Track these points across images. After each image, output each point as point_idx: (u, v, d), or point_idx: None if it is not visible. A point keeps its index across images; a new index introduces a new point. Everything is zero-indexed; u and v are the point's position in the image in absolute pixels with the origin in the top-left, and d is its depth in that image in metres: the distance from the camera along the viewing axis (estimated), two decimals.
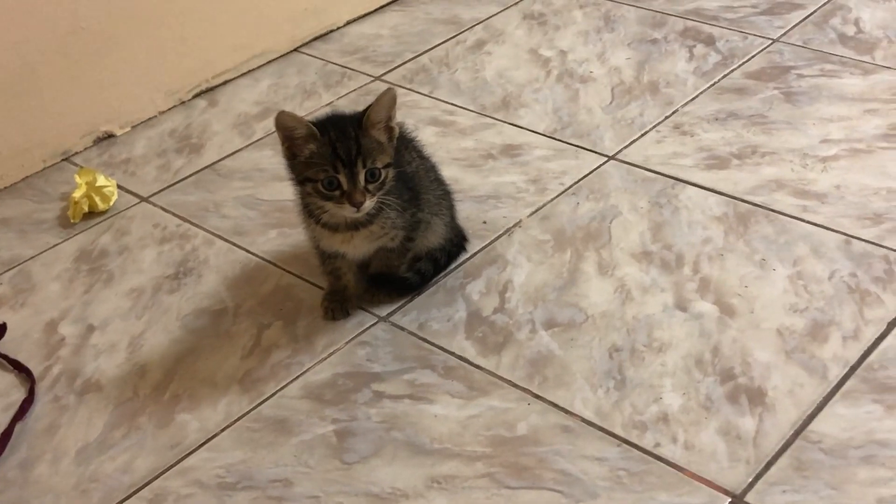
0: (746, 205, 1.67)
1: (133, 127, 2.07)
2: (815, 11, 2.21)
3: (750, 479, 1.23)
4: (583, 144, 1.87)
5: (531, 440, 1.31)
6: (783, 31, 2.15)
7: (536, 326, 1.48)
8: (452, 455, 1.31)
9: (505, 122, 1.97)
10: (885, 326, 1.42)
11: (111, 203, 1.84)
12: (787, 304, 1.47)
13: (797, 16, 2.20)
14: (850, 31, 2.13)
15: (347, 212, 1.39)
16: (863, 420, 1.29)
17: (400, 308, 1.55)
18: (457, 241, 1.62)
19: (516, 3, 2.38)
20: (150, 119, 2.10)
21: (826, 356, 1.38)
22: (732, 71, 2.04)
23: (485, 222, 1.70)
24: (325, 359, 1.47)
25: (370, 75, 2.18)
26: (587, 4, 2.34)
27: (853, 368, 1.36)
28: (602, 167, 1.81)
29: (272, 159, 1.90)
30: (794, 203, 1.66)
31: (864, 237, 1.58)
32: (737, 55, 2.09)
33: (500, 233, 1.67)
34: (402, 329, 1.51)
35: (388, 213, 1.44)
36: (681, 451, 1.28)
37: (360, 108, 1.41)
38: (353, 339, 1.50)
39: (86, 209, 1.82)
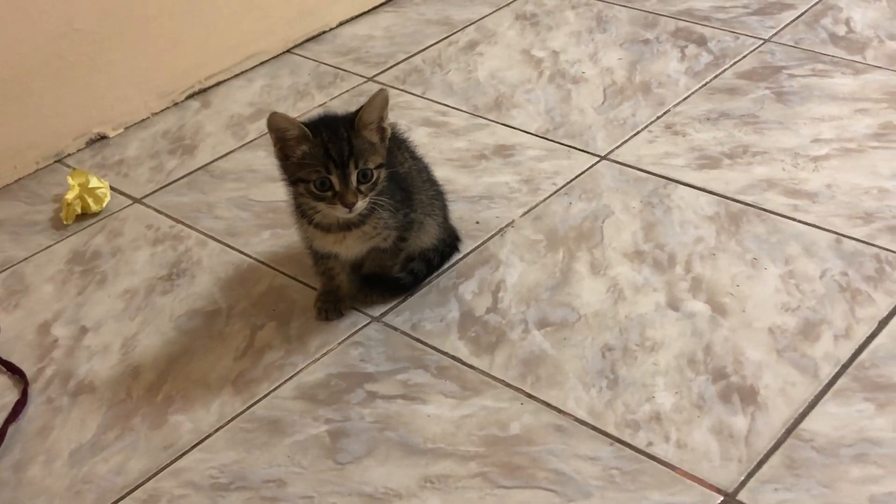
0: (738, 204, 1.68)
1: (126, 128, 2.07)
2: (806, 11, 2.21)
3: (742, 478, 1.24)
4: (575, 145, 1.87)
5: (524, 440, 1.32)
6: (774, 31, 2.16)
7: (529, 326, 1.49)
8: (446, 455, 1.31)
9: (497, 122, 1.97)
10: (876, 325, 1.43)
11: (104, 204, 1.84)
12: (779, 303, 1.48)
13: (788, 16, 2.21)
14: (841, 30, 2.13)
15: (340, 212, 1.39)
16: (854, 418, 1.29)
17: (393, 308, 1.55)
18: (450, 242, 1.62)
19: (508, 4, 2.38)
20: (143, 120, 2.09)
21: (818, 355, 1.39)
22: (724, 71, 2.05)
23: (477, 222, 1.70)
24: (319, 359, 1.48)
25: (363, 76, 2.18)
26: (579, 5, 2.34)
27: (845, 367, 1.37)
28: (594, 167, 1.81)
29: (265, 160, 1.89)
30: (785, 202, 1.67)
31: (855, 236, 1.58)
32: (728, 55, 2.09)
33: (493, 233, 1.68)
34: (395, 329, 1.51)
35: (380, 214, 1.44)
36: (673, 450, 1.28)
37: (353, 108, 1.41)
38: (346, 339, 1.50)
39: (79, 211, 1.81)
